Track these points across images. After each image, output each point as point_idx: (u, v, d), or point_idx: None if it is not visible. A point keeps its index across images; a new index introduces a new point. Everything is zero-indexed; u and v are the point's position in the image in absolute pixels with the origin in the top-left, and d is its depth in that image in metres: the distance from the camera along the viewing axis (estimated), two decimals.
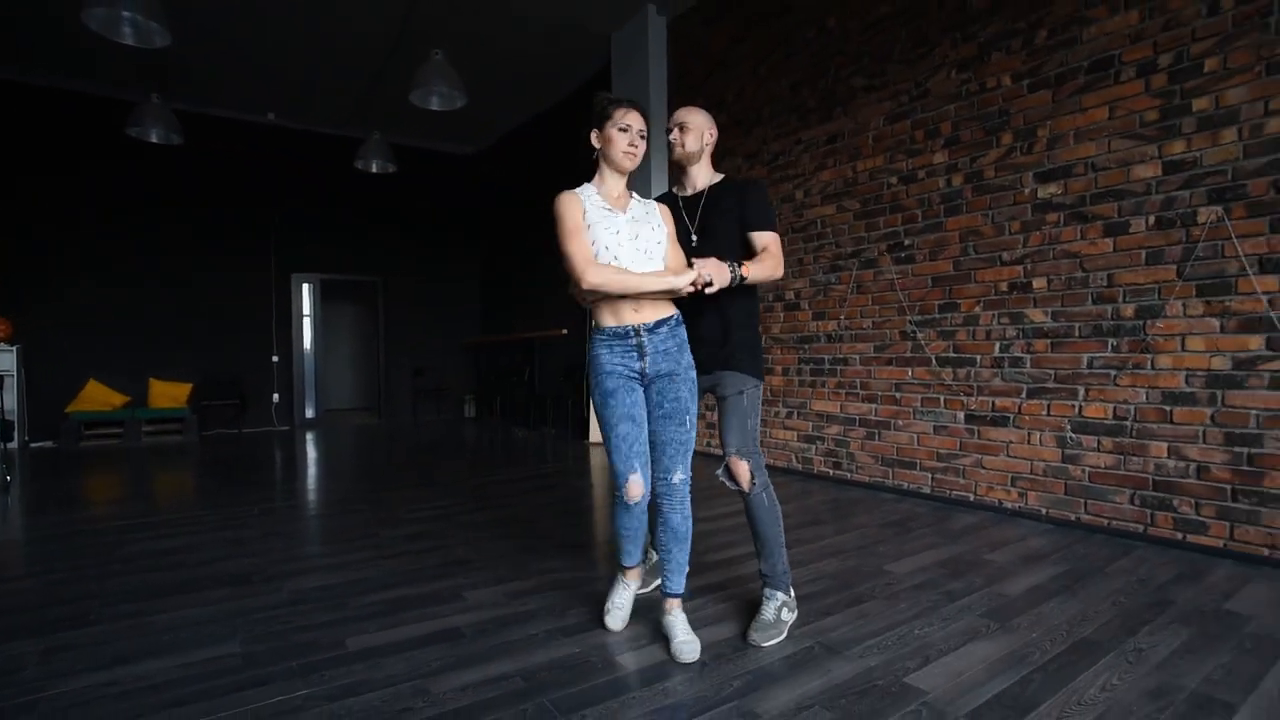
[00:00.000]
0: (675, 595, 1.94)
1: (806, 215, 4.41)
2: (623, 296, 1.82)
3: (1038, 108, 3.20)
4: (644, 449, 1.86)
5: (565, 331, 6.80)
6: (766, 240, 2.03)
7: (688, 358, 1.94)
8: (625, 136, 1.84)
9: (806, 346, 4.43)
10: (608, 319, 1.87)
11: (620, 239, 1.82)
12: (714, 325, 2.03)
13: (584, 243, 1.79)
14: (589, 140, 1.92)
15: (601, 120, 1.87)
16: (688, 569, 1.98)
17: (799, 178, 4.47)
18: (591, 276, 1.75)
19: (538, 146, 7.63)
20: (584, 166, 1.91)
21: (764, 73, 4.73)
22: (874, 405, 4.01)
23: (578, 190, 1.89)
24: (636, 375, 1.87)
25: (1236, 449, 2.61)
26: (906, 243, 3.81)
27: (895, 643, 1.94)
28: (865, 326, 4.05)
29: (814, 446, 4.40)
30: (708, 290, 1.84)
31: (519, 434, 7.02)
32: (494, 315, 8.93)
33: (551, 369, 7.27)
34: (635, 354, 1.86)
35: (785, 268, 4.49)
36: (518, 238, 8.11)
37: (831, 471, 4.29)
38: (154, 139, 6.00)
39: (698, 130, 2.07)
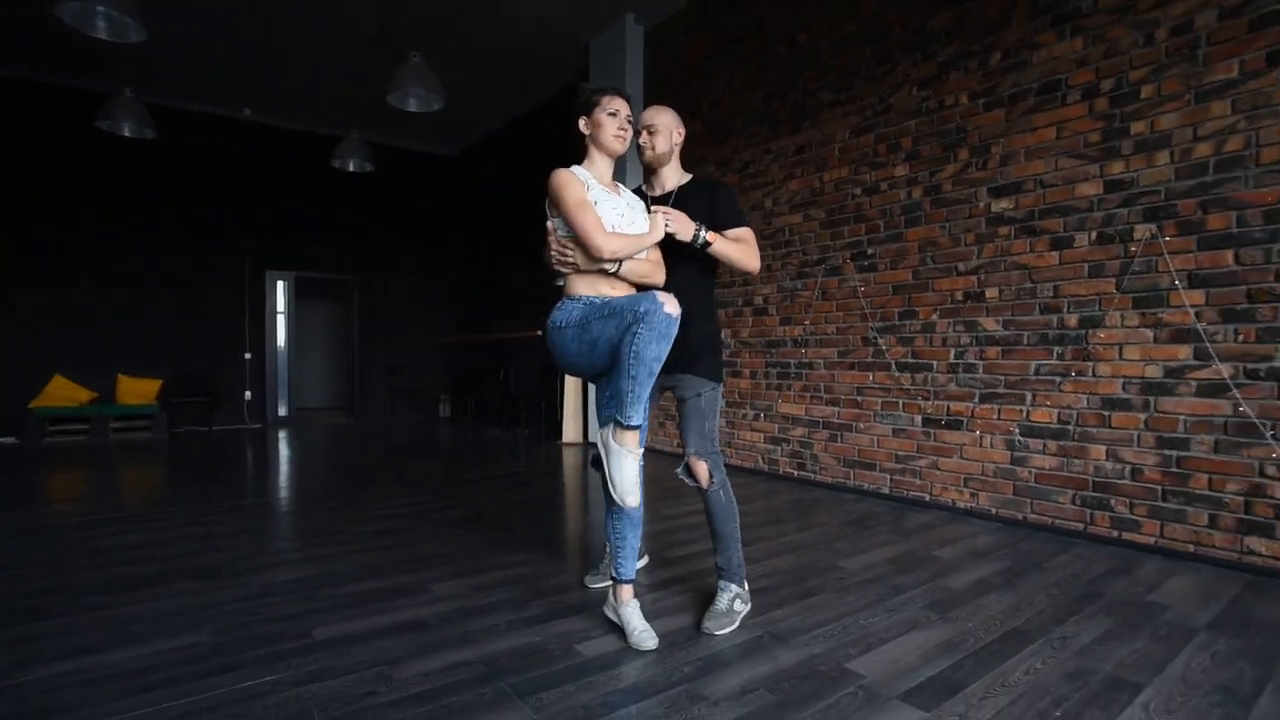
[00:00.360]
0: (629, 581, 2.02)
1: (775, 223, 4.54)
2: (600, 270, 1.90)
3: (991, 126, 3.35)
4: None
5: (540, 333, 6.86)
6: (741, 233, 2.12)
7: None
8: (615, 121, 1.93)
9: (773, 351, 4.56)
10: (585, 290, 1.92)
11: (623, 221, 1.91)
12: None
13: (594, 213, 1.83)
14: (577, 127, 1.99)
15: (590, 107, 1.95)
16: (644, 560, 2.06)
17: (769, 186, 4.60)
18: (610, 244, 1.81)
19: (517, 148, 7.69)
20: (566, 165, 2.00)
21: (738, 84, 4.86)
22: (837, 408, 4.14)
23: (573, 169, 1.94)
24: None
25: (1167, 452, 2.77)
26: (869, 252, 3.95)
27: (840, 632, 2.05)
28: (830, 332, 4.18)
29: (780, 448, 4.53)
30: (667, 229, 1.95)
31: (493, 434, 7.07)
32: (470, 316, 8.96)
33: (526, 370, 7.33)
34: None
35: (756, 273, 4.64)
36: (496, 238, 8.16)
37: (796, 472, 4.41)
38: (126, 133, 5.94)
39: (666, 131, 2.14)
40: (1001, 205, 3.32)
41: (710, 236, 2.03)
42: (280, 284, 8.16)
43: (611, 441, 1.84)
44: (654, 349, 1.72)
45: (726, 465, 4.87)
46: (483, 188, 8.44)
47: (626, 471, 1.81)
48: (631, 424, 1.80)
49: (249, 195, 7.72)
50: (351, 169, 7.04)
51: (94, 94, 6.60)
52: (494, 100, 7.27)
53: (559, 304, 1.97)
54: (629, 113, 1.96)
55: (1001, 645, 1.96)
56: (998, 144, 3.33)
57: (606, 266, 1.88)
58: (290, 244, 8.03)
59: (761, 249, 4.60)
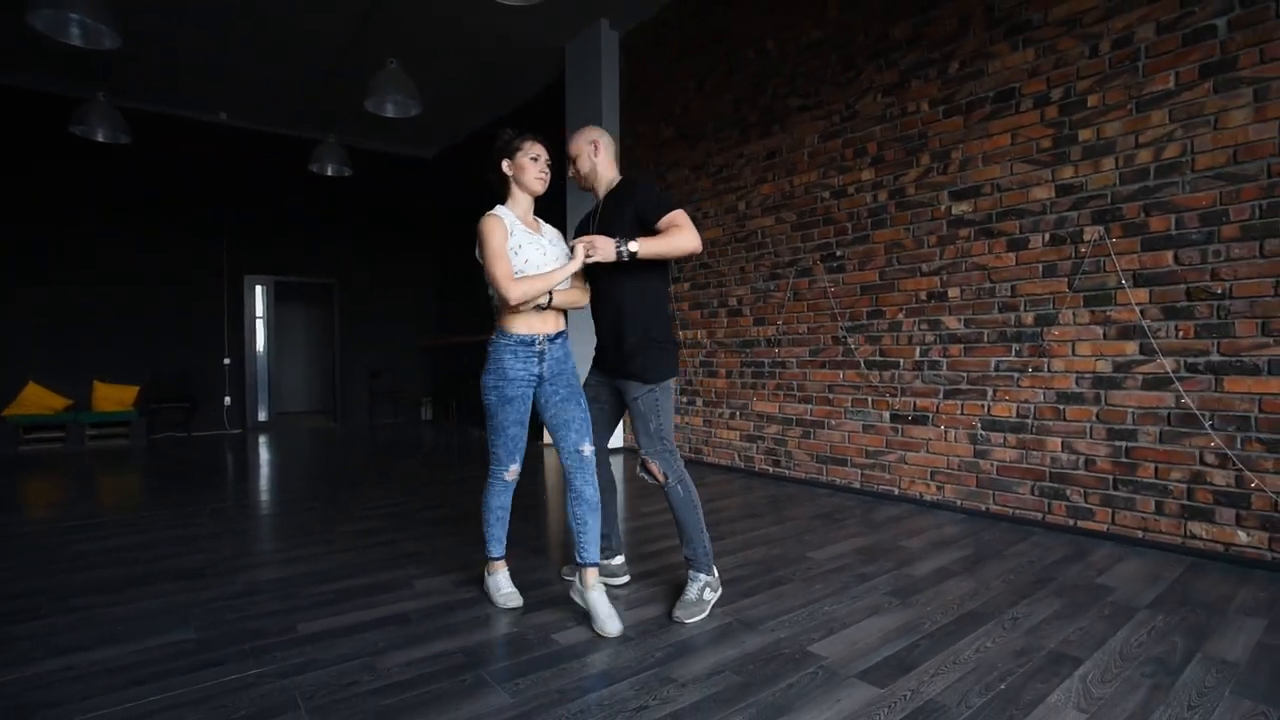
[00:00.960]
0: (593, 564, 2.12)
1: (748, 226, 4.66)
2: (536, 306, 2.11)
3: (951, 132, 3.49)
4: (524, 445, 2.22)
5: None
6: (670, 219, 2.09)
7: (573, 362, 2.26)
8: (536, 165, 2.13)
9: (748, 350, 4.67)
10: (519, 327, 2.12)
11: (547, 258, 2.12)
12: (611, 330, 2.24)
13: (507, 263, 2.03)
14: (499, 168, 2.16)
15: (513, 152, 2.13)
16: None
17: (741, 190, 4.71)
18: (515, 291, 2.01)
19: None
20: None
21: (709, 89, 4.97)
22: (809, 406, 4.26)
23: (499, 213, 2.10)
24: (535, 379, 2.15)
25: (1116, 443, 2.92)
26: (838, 253, 4.07)
27: (805, 618, 2.15)
28: (801, 332, 4.30)
29: (755, 445, 4.64)
30: (590, 259, 2.05)
31: (475, 436, 7.11)
32: (451, 317, 8.99)
33: None
34: (536, 360, 2.13)
35: (730, 276, 4.76)
36: (476, 240, 8.18)
37: (771, 469, 4.53)
38: (100, 138, 5.90)
39: (584, 153, 2.27)
40: (961, 208, 3.45)
41: (634, 246, 2.04)
42: (259, 288, 8.13)
43: (487, 577, 2.32)
44: (498, 499, 2.25)
45: (704, 463, 4.99)
46: (462, 190, 8.47)
47: (502, 583, 2.28)
48: (498, 555, 2.30)
49: (227, 200, 7.69)
50: (329, 173, 7.05)
51: (68, 98, 6.55)
52: (472, 104, 7.31)
53: (494, 340, 2.15)
54: (549, 157, 2.15)
55: (956, 627, 2.07)
56: (957, 149, 3.46)
57: (539, 301, 2.09)
58: (269, 248, 8.01)
59: (735, 251, 4.74)
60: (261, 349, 8.22)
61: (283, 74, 6.49)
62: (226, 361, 7.76)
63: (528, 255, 2.07)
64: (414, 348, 9.10)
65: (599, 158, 2.27)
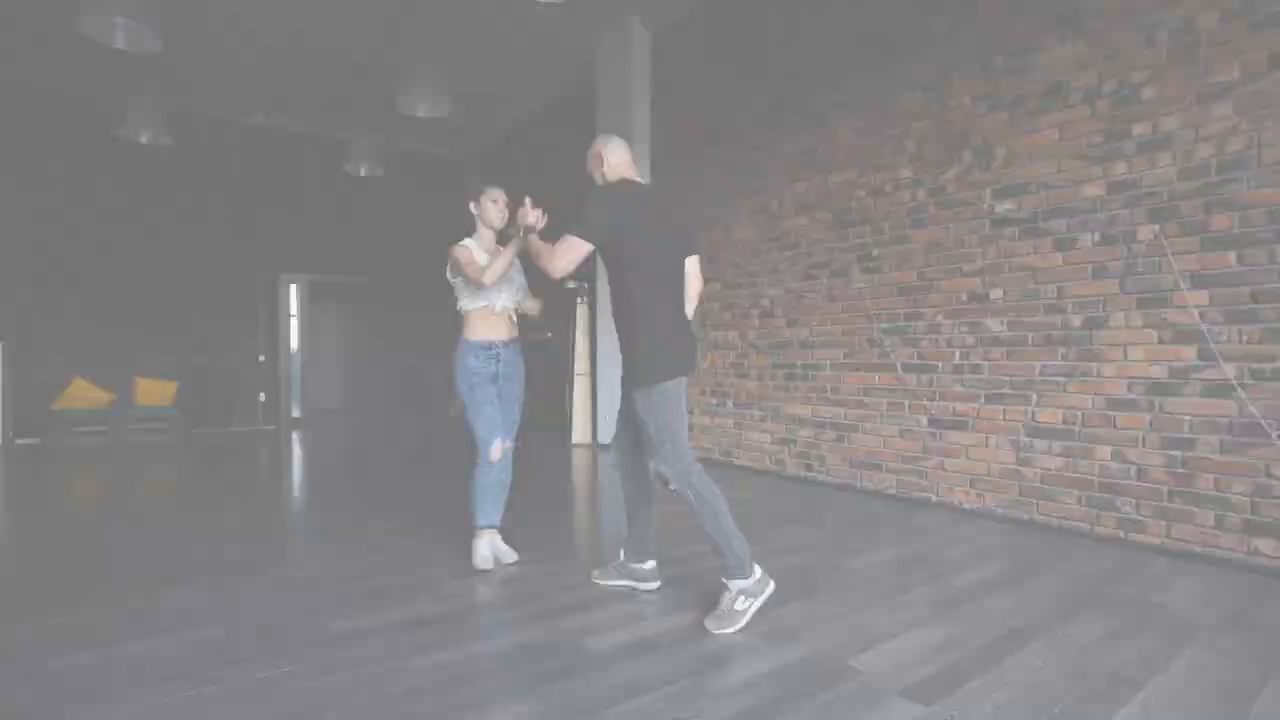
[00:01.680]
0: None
1: (781, 226, 4.57)
2: (503, 313, 2.70)
3: (995, 128, 3.37)
4: (500, 424, 2.64)
5: (550, 335, 6.92)
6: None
7: (522, 365, 2.80)
8: (496, 206, 2.71)
9: (780, 352, 4.58)
10: (480, 334, 2.66)
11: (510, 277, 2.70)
12: (618, 336, 2.28)
13: (477, 267, 2.57)
14: (468, 207, 2.73)
15: (479, 195, 2.72)
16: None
17: (775, 189, 4.62)
18: (489, 276, 2.52)
19: (527, 149, 7.76)
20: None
21: (742, 85, 4.89)
22: (843, 409, 4.16)
23: (465, 243, 2.66)
24: (492, 376, 2.66)
25: (1172, 452, 2.78)
26: (874, 254, 3.97)
27: (843, 630, 2.07)
28: (836, 334, 4.20)
29: (787, 449, 4.55)
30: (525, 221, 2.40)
31: None
32: None
33: (536, 370, 7.36)
34: (493, 361, 2.67)
35: (762, 276, 4.68)
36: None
37: (804, 473, 4.43)
38: (143, 139, 6.07)
39: (595, 169, 2.35)
40: (1005, 207, 3.33)
41: (533, 234, 2.36)
42: (293, 287, 8.28)
43: (477, 534, 2.69)
44: (485, 478, 2.68)
45: (734, 466, 4.90)
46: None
47: (485, 551, 2.65)
48: (487, 524, 2.69)
49: (262, 200, 7.83)
50: (363, 173, 7.14)
51: (110, 101, 6.73)
52: (503, 103, 7.34)
53: (460, 345, 2.65)
54: (506, 200, 2.71)
55: (1003, 643, 1.98)
56: (1001, 146, 3.34)
57: (513, 308, 2.74)
58: (303, 247, 8.15)
59: (768, 251, 4.65)
60: (295, 347, 8.36)
61: (317, 75, 6.58)
62: (261, 359, 7.91)
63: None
64: (444, 346, 9.16)
65: (607, 167, 2.31)
